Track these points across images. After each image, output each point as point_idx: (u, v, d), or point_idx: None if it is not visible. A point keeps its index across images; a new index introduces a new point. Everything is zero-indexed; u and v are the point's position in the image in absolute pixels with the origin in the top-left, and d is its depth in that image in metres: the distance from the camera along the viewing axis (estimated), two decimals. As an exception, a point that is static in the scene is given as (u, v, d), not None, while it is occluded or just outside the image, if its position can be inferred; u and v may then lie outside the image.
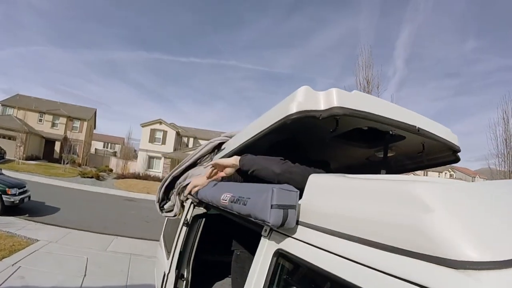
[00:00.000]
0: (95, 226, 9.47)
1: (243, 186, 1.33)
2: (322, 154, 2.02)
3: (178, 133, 36.49)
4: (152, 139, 34.54)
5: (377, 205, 0.72)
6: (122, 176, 28.55)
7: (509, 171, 12.69)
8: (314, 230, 0.91)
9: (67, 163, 27.28)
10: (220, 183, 1.73)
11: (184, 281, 2.39)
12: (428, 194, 0.62)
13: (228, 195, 1.32)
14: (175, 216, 2.75)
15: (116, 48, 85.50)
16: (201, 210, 2.51)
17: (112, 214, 12.95)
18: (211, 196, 1.66)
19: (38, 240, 6.96)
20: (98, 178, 25.64)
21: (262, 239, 1.16)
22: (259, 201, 1.00)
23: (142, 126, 34.98)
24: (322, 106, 1.20)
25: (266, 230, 1.14)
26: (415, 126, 1.48)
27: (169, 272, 2.49)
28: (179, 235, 2.55)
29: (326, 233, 0.84)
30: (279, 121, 1.28)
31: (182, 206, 2.65)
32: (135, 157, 36.78)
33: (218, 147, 2.53)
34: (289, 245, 0.99)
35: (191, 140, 38.46)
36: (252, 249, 2.24)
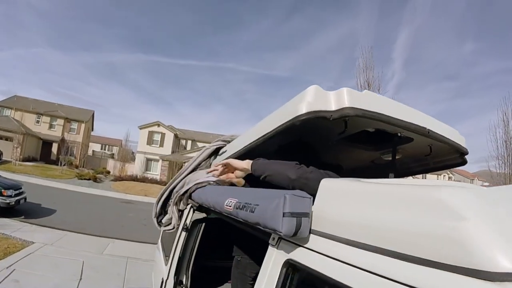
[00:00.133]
0: (92, 229, 9.36)
1: (249, 191, 1.26)
2: (325, 157, 1.97)
3: (176, 136, 36.36)
4: (150, 141, 34.39)
5: (400, 213, 0.66)
6: (119, 178, 28.37)
7: (510, 173, 12.71)
8: (328, 239, 0.84)
9: (64, 165, 27.13)
10: (223, 187, 1.67)
11: None
12: (459, 201, 0.57)
13: (232, 201, 1.24)
14: (173, 229, 2.67)
15: (114, 49, 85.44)
16: (200, 214, 2.45)
17: (109, 217, 12.84)
18: (213, 201, 1.58)
19: (33, 243, 6.87)
20: (95, 180, 25.48)
21: (270, 248, 1.08)
22: (269, 208, 0.93)
23: (140, 128, 34.84)
24: (333, 107, 1.15)
25: (274, 238, 1.07)
26: (425, 128, 1.44)
27: (167, 279, 2.42)
28: (178, 240, 2.47)
29: (342, 243, 0.78)
30: (287, 122, 1.22)
31: (180, 217, 2.58)
32: (133, 159, 36.60)
33: (215, 152, 2.47)
34: (301, 255, 0.92)
35: (189, 142, 38.35)
36: (253, 254, 2.19)
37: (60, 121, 34.95)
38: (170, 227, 2.70)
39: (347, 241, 0.76)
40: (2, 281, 4.67)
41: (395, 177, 1.62)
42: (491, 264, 0.48)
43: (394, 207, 0.68)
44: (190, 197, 2.26)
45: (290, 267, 0.96)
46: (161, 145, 34.48)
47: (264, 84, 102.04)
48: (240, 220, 1.18)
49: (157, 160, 33.35)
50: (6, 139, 28.46)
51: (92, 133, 43.88)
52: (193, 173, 2.43)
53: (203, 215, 2.49)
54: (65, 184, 21.28)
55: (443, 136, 1.57)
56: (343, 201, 0.86)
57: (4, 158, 26.37)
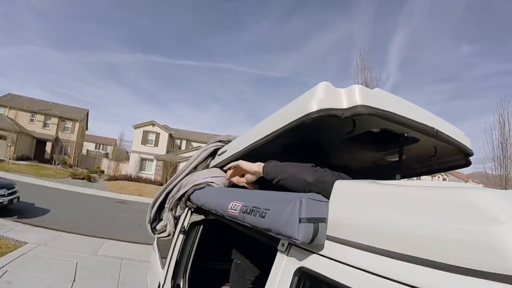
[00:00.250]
0: (86, 229, 9.24)
1: (255, 194, 1.19)
2: (330, 157, 1.92)
3: (171, 135, 36.17)
4: (144, 141, 34.18)
5: (427, 217, 0.61)
6: (113, 178, 28.21)
7: (505, 175, 12.83)
8: (346, 245, 0.78)
9: (58, 164, 26.90)
10: (224, 189, 1.60)
11: None
12: (493, 203, 0.53)
13: (238, 204, 1.16)
14: (168, 236, 2.56)
15: (110, 49, 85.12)
16: (199, 216, 2.39)
17: (103, 217, 12.71)
18: (214, 203, 1.50)
19: (26, 243, 6.76)
20: (89, 179, 25.32)
21: (279, 254, 1.01)
22: (283, 213, 0.85)
23: (135, 128, 34.60)
24: (344, 105, 1.09)
25: (283, 244, 0.99)
26: (434, 128, 1.40)
27: (164, 283, 2.35)
28: (175, 243, 2.39)
29: (363, 250, 0.72)
30: (296, 120, 1.15)
31: (176, 225, 2.49)
32: (127, 158, 36.31)
33: (213, 154, 2.40)
34: (315, 263, 0.85)
35: (184, 142, 38.18)
36: (253, 257, 2.13)
37: (54, 120, 34.63)
38: (164, 234, 2.59)
39: (368, 247, 0.71)
40: (-6, 282, 4.57)
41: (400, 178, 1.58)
42: None
43: (419, 210, 0.63)
44: (188, 199, 2.20)
45: (303, 275, 0.89)
46: (156, 144, 34.29)
47: (261, 85, 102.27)
48: (246, 225, 1.10)
49: (151, 160, 33.17)
50: (0, 138, 28.14)
51: (87, 132, 43.60)
52: (190, 175, 2.36)
53: (201, 217, 2.43)
54: (59, 183, 21.07)
55: (450, 137, 1.54)
56: (360, 204, 0.80)
57: (-3, 156, 26.04)
